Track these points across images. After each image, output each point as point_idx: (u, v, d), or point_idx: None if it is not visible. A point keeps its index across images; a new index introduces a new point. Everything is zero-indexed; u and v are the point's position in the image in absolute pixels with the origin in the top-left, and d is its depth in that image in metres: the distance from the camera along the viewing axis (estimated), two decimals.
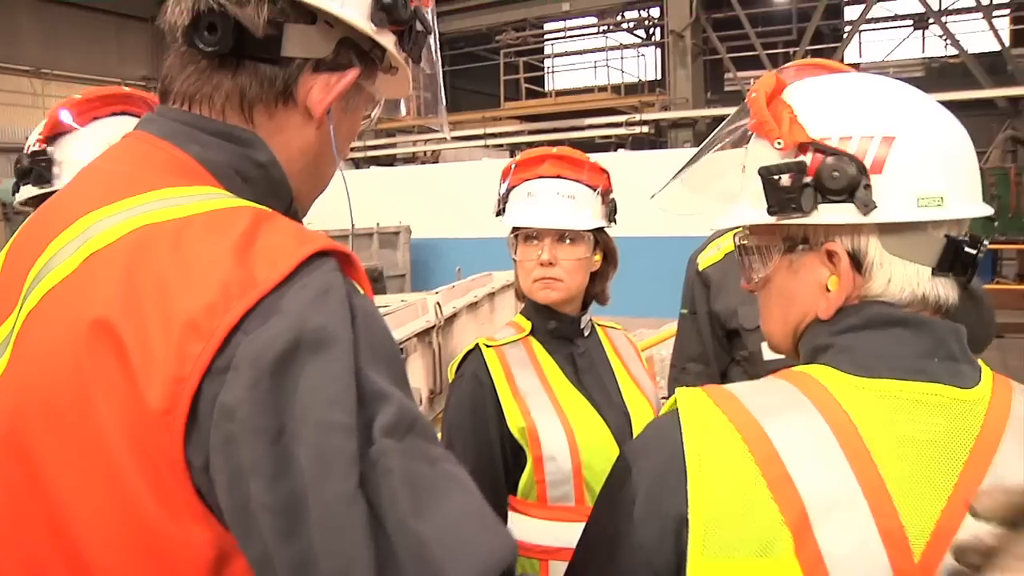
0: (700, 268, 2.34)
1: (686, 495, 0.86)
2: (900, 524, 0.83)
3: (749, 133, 1.03)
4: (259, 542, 0.69)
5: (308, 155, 0.95)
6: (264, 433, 0.69)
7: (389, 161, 18.89)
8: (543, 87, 20.78)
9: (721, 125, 1.21)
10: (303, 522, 0.67)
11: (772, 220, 0.96)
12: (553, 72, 21.27)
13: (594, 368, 1.95)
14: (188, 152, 0.88)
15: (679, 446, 0.88)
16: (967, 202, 0.93)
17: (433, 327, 5.07)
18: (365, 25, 0.91)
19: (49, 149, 1.61)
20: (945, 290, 0.94)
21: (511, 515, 1.83)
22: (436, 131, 16.71)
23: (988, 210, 0.95)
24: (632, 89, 18.64)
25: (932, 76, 20.56)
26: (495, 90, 18.97)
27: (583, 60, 21.11)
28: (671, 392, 2.48)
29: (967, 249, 0.92)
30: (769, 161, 0.96)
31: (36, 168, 1.59)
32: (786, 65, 2.54)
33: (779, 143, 0.95)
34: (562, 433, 1.80)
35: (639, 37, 21.85)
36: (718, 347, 2.36)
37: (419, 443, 0.74)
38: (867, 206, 0.91)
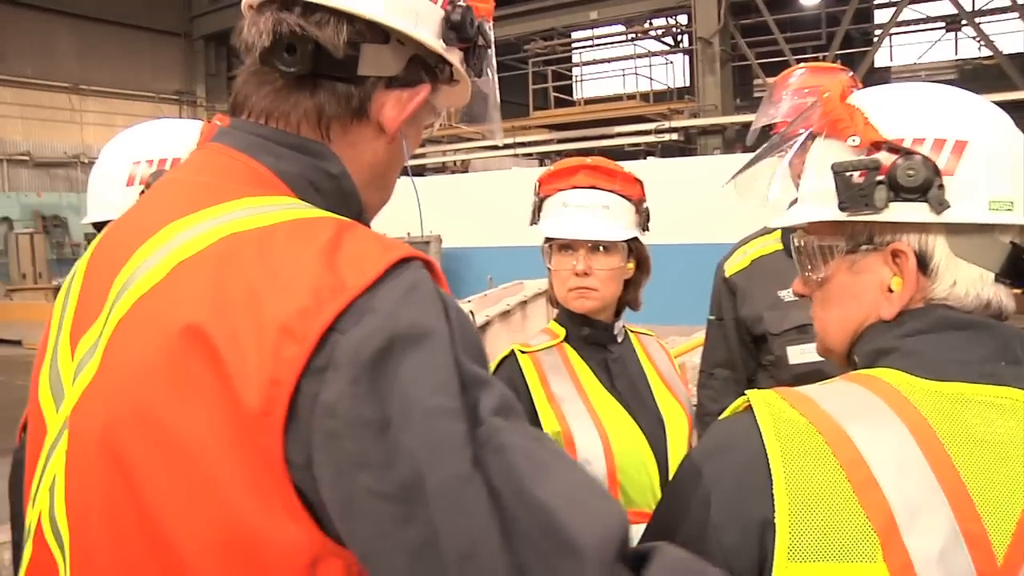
0: (727, 275, 2.37)
1: (771, 498, 0.84)
2: (982, 527, 0.83)
3: (815, 133, 1.04)
4: (370, 533, 0.71)
5: (378, 168, 0.99)
6: (369, 426, 0.71)
7: (419, 171, 19.01)
8: (571, 96, 20.81)
9: (784, 129, 1.22)
10: (421, 505, 0.69)
11: (843, 216, 0.97)
12: (582, 81, 21.30)
13: (627, 373, 1.97)
14: (263, 163, 0.91)
15: (760, 447, 0.87)
16: None
17: None
18: (436, 44, 0.96)
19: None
20: (1005, 297, 0.95)
21: None
22: (467, 141, 16.75)
23: None
24: (661, 97, 18.62)
25: (965, 78, 20.29)
26: (524, 99, 19.02)
27: (611, 68, 21.12)
28: (699, 398, 2.52)
29: None
30: (842, 159, 0.98)
31: None
32: (787, 70, 2.57)
33: (854, 140, 0.97)
34: (596, 437, 1.83)
35: (667, 44, 21.81)
36: (745, 352, 2.41)
37: (522, 423, 0.76)
38: (941, 204, 0.92)
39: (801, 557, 0.82)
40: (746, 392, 0.95)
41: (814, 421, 0.88)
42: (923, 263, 0.95)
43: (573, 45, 22.00)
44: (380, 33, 0.92)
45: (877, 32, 19.60)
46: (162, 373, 0.77)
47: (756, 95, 21.22)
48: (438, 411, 0.71)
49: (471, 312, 5.27)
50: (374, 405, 0.71)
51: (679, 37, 21.50)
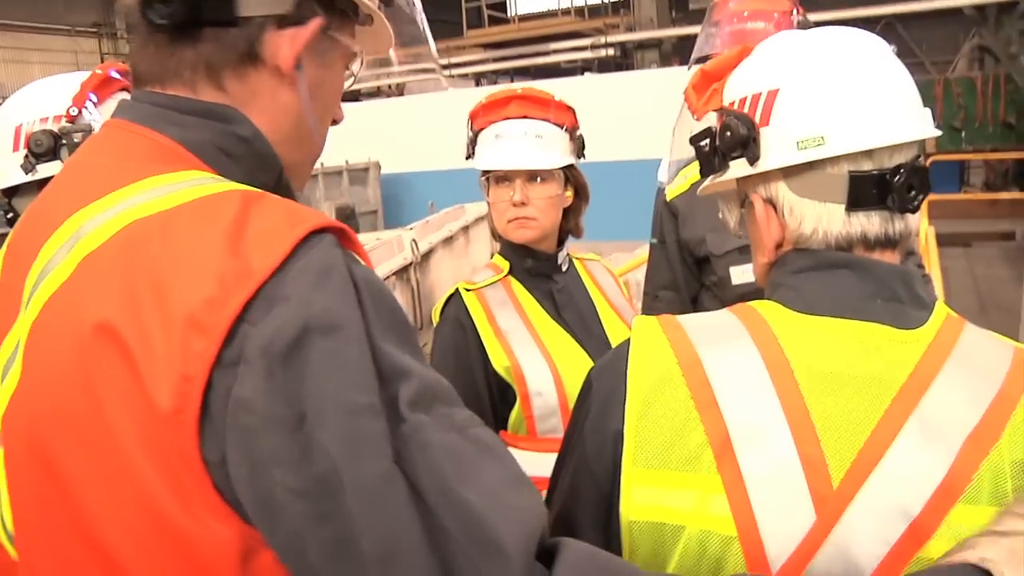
0: (668, 199, 2.37)
1: (623, 413, 0.94)
2: (821, 452, 0.88)
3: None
4: (287, 530, 0.69)
5: (288, 117, 0.93)
6: (284, 422, 0.68)
7: (354, 96, 18.60)
8: (506, 14, 20.42)
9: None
10: (338, 503, 0.67)
11: (706, 182, 1.08)
12: None
13: (574, 302, 1.99)
14: (168, 135, 0.86)
15: (624, 368, 0.96)
16: (865, 134, 0.94)
17: (410, 264, 5.09)
18: None
19: (83, 123, 1.50)
20: (867, 225, 0.96)
21: None
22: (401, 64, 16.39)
23: (891, 138, 0.95)
24: (596, 11, 18.36)
25: None
26: (457, 18, 18.62)
27: None
28: None
29: (888, 178, 0.94)
30: (697, 131, 1.06)
31: (71, 141, 1.47)
32: None
33: (694, 116, 1.07)
34: (546, 369, 1.84)
35: None
36: (688, 274, 2.42)
37: (445, 411, 0.74)
38: (753, 157, 0.98)
39: (645, 464, 0.92)
40: (635, 317, 1.04)
41: (675, 346, 0.96)
42: (776, 209, 1.00)
43: None
44: None
45: None
46: (78, 374, 0.75)
47: (692, 7, 21.07)
48: (355, 408, 0.69)
49: (413, 241, 5.22)
50: (288, 400, 0.69)
51: None
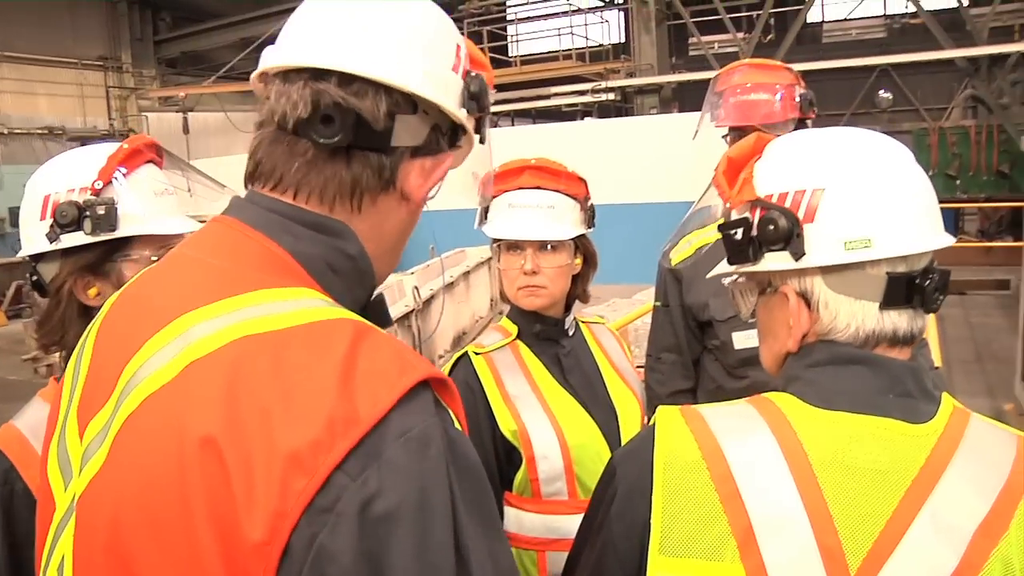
0: (672, 264, 2.43)
1: (650, 502, 0.99)
2: (839, 541, 0.93)
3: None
4: None
5: (397, 235, 0.99)
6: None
7: None
8: (507, 56, 20.65)
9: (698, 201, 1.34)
10: None
11: (732, 269, 1.10)
12: (517, 41, 21.16)
13: (580, 366, 2.03)
14: (281, 244, 0.89)
15: (650, 459, 1.01)
16: (905, 240, 1.01)
17: (412, 311, 5.13)
18: (460, 114, 0.98)
19: (106, 196, 1.52)
20: (897, 323, 1.02)
21: (508, 510, 1.92)
22: None
23: (939, 243, 1.03)
24: (597, 56, 18.58)
25: (894, 36, 20.65)
26: None
27: (547, 27, 21.00)
28: (648, 382, 2.60)
29: (917, 282, 1.01)
30: (728, 219, 1.11)
31: (94, 214, 1.50)
32: (720, 70, 2.63)
33: (728, 204, 1.09)
34: (552, 433, 1.88)
35: (602, 1, 21.75)
36: (691, 337, 2.49)
37: None
38: (798, 253, 1.02)
39: (671, 552, 0.97)
40: (658, 408, 1.07)
41: (698, 438, 1.01)
42: (808, 302, 1.04)
43: (508, 4, 21.77)
44: (411, 103, 0.93)
45: None
46: (176, 482, 0.76)
47: (691, 53, 21.35)
48: None
49: (415, 288, 5.27)
50: (372, 564, 0.72)
51: None
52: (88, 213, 1.51)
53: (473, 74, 1.00)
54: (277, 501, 0.72)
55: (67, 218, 1.51)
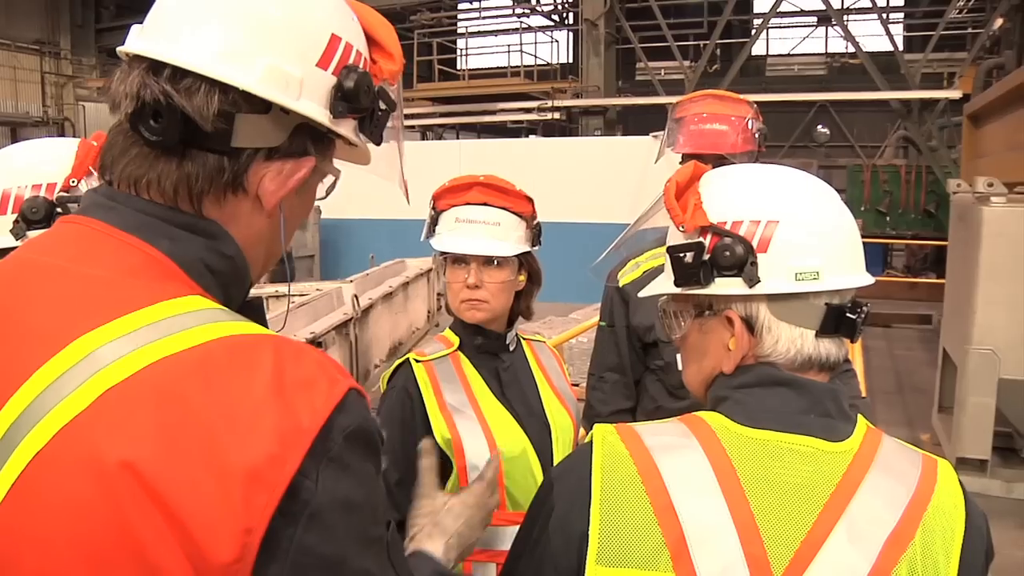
0: (620, 284, 2.49)
1: (589, 515, 1.04)
2: (764, 550, 1.00)
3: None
4: None
5: (260, 242, 0.94)
6: (333, 562, 0.79)
7: None
8: (456, 69, 20.70)
9: (652, 204, 1.35)
10: None
11: (678, 291, 1.14)
12: (467, 55, 21.23)
13: (518, 381, 2.06)
14: (159, 248, 0.85)
15: (588, 474, 1.07)
16: (844, 274, 1.10)
17: (351, 319, 5.10)
18: (322, 116, 0.90)
19: (78, 193, 1.50)
20: (829, 349, 1.11)
21: None
22: None
23: (865, 280, 1.12)
24: (545, 75, 18.74)
25: (833, 74, 21.31)
26: (407, 69, 18.75)
27: (497, 43, 21.13)
28: (589, 400, 2.65)
29: (848, 314, 1.09)
30: (676, 241, 1.13)
31: (67, 211, 1.46)
32: (682, 97, 2.71)
33: (682, 227, 1.13)
34: (484, 444, 1.90)
35: (553, 20, 21.99)
36: (634, 358, 2.54)
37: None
38: (752, 280, 1.08)
39: (607, 562, 1.02)
40: (595, 425, 1.12)
41: (633, 454, 1.07)
42: (751, 326, 1.10)
43: (459, 17, 21.86)
44: (260, 102, 0.86)
45: (757, 22, 20.28)
46: (105, 511, 0.72)
47: (638, 78, 21.69)
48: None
49: (355, 296, 5.25)
50: (337, 548, 0.79)
51: (565, 15, 21.70)
52: (60, 210, 1.50)
53: (351, 70, 0.92)
54: (243, 518, 0.73)
55: (39, 214, 1.51)
